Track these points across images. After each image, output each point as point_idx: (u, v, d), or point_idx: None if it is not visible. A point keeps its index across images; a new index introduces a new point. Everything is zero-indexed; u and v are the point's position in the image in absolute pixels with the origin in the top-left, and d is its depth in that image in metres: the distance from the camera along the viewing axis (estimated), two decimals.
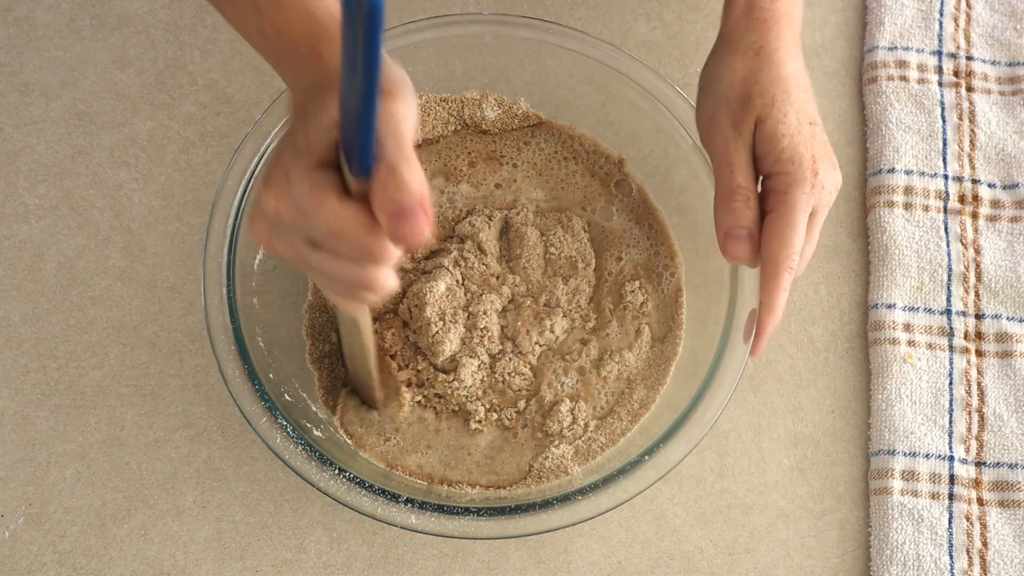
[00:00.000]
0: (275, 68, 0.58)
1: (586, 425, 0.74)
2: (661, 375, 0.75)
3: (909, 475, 0.76)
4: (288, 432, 0.68)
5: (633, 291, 0.77)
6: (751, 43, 0.68)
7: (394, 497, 0.67)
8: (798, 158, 0.65)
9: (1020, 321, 0.80)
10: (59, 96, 0.85)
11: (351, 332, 0.69)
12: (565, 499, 0.67)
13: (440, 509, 0.67)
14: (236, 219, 0.72)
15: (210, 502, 0.75)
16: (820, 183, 0.66)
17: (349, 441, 0.73)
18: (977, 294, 0.81)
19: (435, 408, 0.75)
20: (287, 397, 0.71)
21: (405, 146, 0.49)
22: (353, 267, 0.53)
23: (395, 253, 0.52)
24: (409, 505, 0.67)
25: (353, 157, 0.49)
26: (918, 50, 0.87)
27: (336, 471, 0.67)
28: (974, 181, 0.84)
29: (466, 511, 0.67)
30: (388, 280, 0.54)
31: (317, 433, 0.71)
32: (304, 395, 0.74)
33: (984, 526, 0.75)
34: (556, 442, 0.73)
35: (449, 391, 0.74)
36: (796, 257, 0.66)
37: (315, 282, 0.58)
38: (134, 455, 0.76)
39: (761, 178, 0.68)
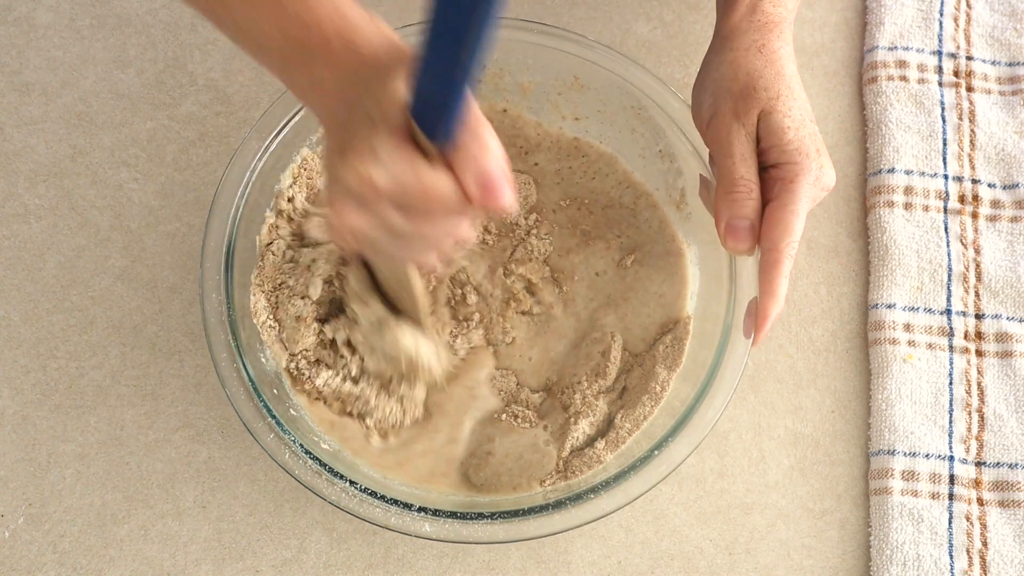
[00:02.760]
0: (293, 65, 0.58)
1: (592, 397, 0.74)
2: (676, 355, 0.75)
3: (909, 475, 0.76)
4: (296, 447, 0.68)
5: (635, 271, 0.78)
6: (753, 41, 0.69)
7: (407, 506, 0.67)
8: (805, 149, 0.67)
9: (1020, 321, 0.80)
10: (59, 96, 0.85)
11: (402, 282, 0.69)
12: (575, 499, 0.67)
13: (453, 516, 0.67)
14: (235, 220, 0.72)
15: (210, 502, 0.75)
16: (821, 176, 0.67)
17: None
18: (977, 294, 0.81)
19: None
20: (292, 412, 0.71)
21: (480, 115, 0.52)
22: (441, 225, 0.55)
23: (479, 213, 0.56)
24: (422, 513, 0.67)
25: (439, 124, 0.50)
26: (918, 50, 0.87)
27: (347, 483, 0.67)
28: (974, 181, 0.84)
29: (479, 516, 0.67)
30: (471, 231, 0.58)
31: (325, 446, 0.70)
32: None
33: (984, 526, 0.75)
34: (574, 420, 0.73)
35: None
36: (796, 245, 0.67)
37: (390, 250, 0.59)
38: (134, 455, 0.76)
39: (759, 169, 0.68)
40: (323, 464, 0.67)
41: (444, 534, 0.67)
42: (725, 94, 0.68)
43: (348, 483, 0.67)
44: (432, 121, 0.50)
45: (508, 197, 0.52)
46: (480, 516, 0.67)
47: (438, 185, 0.52)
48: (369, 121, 0.52)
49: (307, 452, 0.67)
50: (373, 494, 0.67)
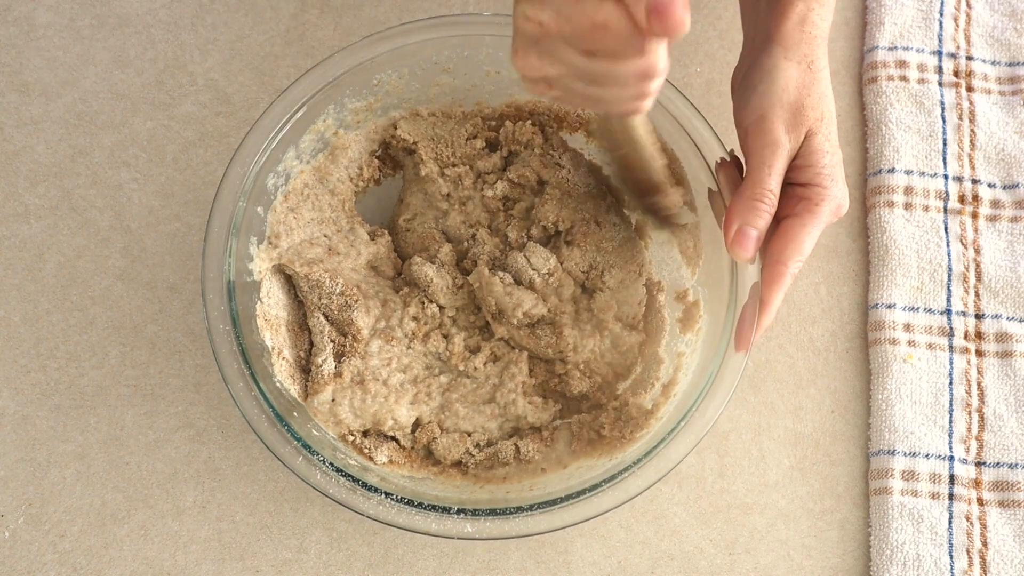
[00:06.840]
0: None
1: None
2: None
3: (909, 475, 0.76)
4: (327, 468, 0.67)
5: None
6: (804, 55, 0.71)
7: (445, 510, 0.66)
8: (835, 176, 0.70)
9: (1020, 321, 0.80)
10: (59, 96, 0.85)
11: (632, 144, 0.70)
12: (578, 495, 0.67)
13: (492, 513, 0.66)
14: (235, 220, 0.72)
15: (210, 502, 0.75)
16: (842, 204, 0.70)
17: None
18: (977, 294, 0.81)
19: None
20: (315, 432, 0.70)
21: None
22: (621, 59, 0.55)
23: (659, 43, 0.55)
24: (461, 515, 0.66)
25: None
26: (918, 50, 0.87)
27: (383, 496, 0.66)
28: (974, 181, 0.84)
29: (518, 510, 0.66)
30: (661, 63, 0.56)
31: (352, 462, 0.70)
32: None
33: (984, 526, 0.75)
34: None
35: None
36: (801, 265, 0.69)
37: (588, 100, 0.59)
38: (134, 455, 0.76)
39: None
40: (356, 480, 0.67)
41: (487, 532, 0.66)
42: (776, 102, 0.69)
43: (383, 495, 0.67)
44: None
45: (679, 17, 0.51)
46: (519, 510, 0.67)
47: (604, 16, 0.52)
48: None
49: (338, 471, 0.67)
50: (410, 503, 0.66)
